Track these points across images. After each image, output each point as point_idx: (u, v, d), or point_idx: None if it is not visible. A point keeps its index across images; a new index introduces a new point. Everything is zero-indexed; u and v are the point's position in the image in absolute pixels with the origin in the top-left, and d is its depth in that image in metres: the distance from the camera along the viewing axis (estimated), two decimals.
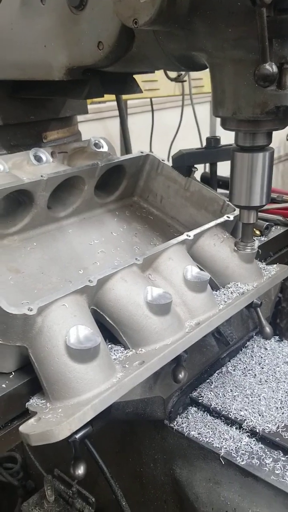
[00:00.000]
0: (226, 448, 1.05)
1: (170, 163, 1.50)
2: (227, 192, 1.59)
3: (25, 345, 0.90)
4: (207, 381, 1.24)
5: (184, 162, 1.58)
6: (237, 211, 1.32)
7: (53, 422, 0.81)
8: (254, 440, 1.07)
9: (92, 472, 1.41)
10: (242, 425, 1.09)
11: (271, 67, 0.83)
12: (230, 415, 1.12)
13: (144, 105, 3.08)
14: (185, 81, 2.85)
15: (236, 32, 0.85)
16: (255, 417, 1.11)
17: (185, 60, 1.02)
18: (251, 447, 1.05)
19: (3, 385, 0.91)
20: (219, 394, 1.19)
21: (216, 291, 1.23)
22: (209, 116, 3.63)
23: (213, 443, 1.07)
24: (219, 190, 1.75)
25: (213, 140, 1.64)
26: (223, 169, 1.79)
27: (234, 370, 1.27)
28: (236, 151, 1.05)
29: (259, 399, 1.16)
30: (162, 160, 1.45)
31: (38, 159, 1.32)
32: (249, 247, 1.20)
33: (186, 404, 1.19)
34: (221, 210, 1.36)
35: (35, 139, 1.42)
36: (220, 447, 1.05)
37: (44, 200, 1.20)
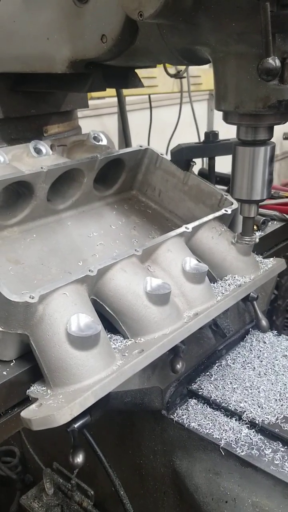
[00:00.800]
0: (226, 439, 1.06)
1: (168, 157, 1.51)
2: (225, 188, 1.61)
3: (26, 332, 0.91)
4: (207, 373, 1.25)
5: (182, 156, 1.59)
6: (235, 205, 1.34)
7: (54, 407, 0.83)
8: (253, 431, 1.08)
9: (91, 465, 1.42)
10: (242, 417, 1.11)
11: (274, 61, 0.84)
12: (230, 407, 1.13)
13: (142, 102, 3.08)
14: (185, 77, 2.86)
15: (240, 27, 0.86)
16: (254, 408, 1.12)
17: (188, 54, 1.02)
18: (250, 438, 1.07)
19: (4, 373, 0.92)
20: (219, 386, 1.20)
21: (214, 283, 1.25)
22: (207, 113, 3.64)
23: (213, 434, 1.08)
24: (217, 187, 1.77)
25: (211, 135, 1.65)
26: (221, 165, 1.81)
27: (233, 363, 1.28)
28: (237, 145, 1.05)
29: (258, 391, 1.17)
30: (161, 154, 1.46)
31: (38, 151, 1.32)
32: (250, 240, 1.21)
33: (184, 395, 1.20)
34: (219, 203, 1.38)
35: (36, 132, 1.43)
36: (220, 438, 1.06)
37: (43, 192, 1.21)
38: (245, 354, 1.33)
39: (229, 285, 1.23)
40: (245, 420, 1.10)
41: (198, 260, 1.18)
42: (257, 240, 1.20)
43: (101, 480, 1.42)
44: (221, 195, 1.37)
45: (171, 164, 1.45)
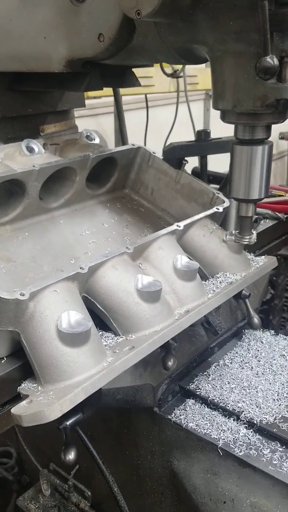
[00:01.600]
0: (224, 439, 1.06)
1: (161, 156, 1.51)
2: (218, 187, 1.61)
3: (17, 330, 0.91)
4: (204, 373, 1.24)
5: (174, 154, 1.59)
6: (226, 203, 1.34)
7: (44, 403, 0.83)
8: (251, 432, 1.08)
9: (88, 466, 1.42)
10: (240, 417, 1.10)
11: (272, 60, 0.84)
12: (228, 407, 1.13)
13: (138, 102, 3.08)
14: (181, 76, 2.85)
15: (237, 25, 0.86)
16: (252, 408, 1.12)
17: (185, 53, 1.02)
18: (248, 438, 1.06)
19: None
20: (216, 386, 1.19)
21: (205, 280, 1.25)
22: (203, 113, 3.64)
23: (211, 435, 1.07)
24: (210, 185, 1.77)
25: (203, 133, 1.65)
26: (214, 164, 1.81)
27: (231, 363, 1.28)
28: (235, 144, 1.05)
29: (256, 391, 1.17)
30: (153, 152, 1.46)
31: (30, 150, 1.32)
32: (249, 240, 1.21)
33: (175, 392, 1.20)
34: (211, 202, 1.38)
35: (32, 132, 1.42)
36: (218, 439, 1.06)
37: (36, 190, 1.21)
38: (242, 354, 1.32)
39: (220, 282, 1.23)
40: (243, 420, 1.10)
41: (189, 258, 1.18)
42: (255, 239, 1.20)
43: (98, 481, 1.42)
44: (213, 193, 1.37)
45: (163, 162, 1.45)
